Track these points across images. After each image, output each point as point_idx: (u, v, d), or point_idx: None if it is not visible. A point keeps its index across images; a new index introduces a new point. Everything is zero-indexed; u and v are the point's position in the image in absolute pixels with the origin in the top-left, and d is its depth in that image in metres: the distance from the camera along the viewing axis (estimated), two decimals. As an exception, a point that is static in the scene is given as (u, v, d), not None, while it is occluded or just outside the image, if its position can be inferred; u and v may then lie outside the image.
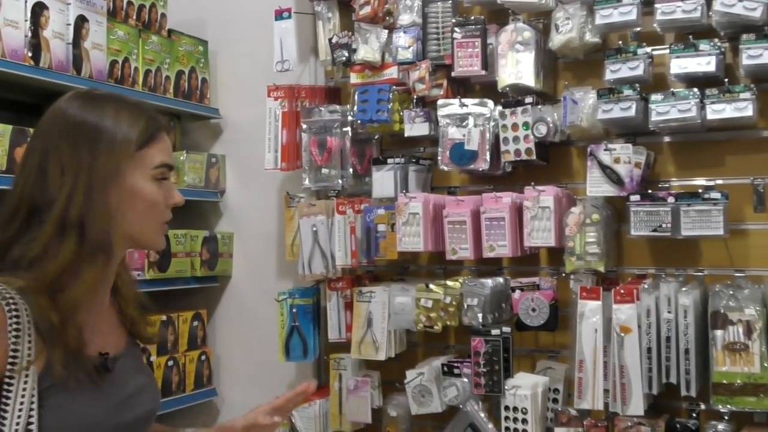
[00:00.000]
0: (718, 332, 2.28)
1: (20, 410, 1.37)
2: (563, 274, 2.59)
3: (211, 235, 3.31)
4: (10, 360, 1.37)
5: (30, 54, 2.53)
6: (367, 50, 2.84)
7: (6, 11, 2.44)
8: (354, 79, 2.91)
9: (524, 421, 2.51)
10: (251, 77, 3.31)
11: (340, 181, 2.93)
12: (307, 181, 2.97)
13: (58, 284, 1.43)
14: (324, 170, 2.94)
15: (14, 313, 1.38)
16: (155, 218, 1.54)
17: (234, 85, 3.45)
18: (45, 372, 1.40)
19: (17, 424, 1.37)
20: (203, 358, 3.27)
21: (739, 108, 2.32)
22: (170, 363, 3.09)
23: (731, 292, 2.30)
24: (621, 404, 2.38)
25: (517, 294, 2.61)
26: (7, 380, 1.37)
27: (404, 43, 2.81)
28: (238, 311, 3.41)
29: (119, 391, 1.52)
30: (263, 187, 3.30)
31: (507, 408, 2.53)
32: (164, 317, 3.09)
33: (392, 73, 2.84)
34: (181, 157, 3.23)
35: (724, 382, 2.26)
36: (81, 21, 2.72)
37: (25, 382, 1.38)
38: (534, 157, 2.59)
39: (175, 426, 1.88)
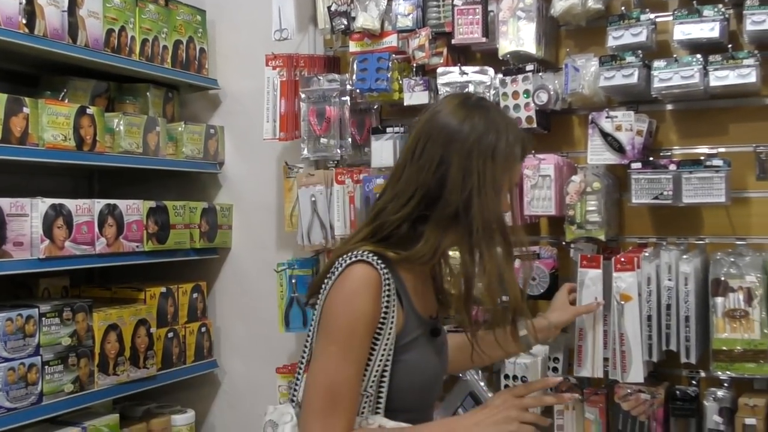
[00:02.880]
0: (719, 299, 2.27)
1: (380, 361, 1.68)
2: (563, 243, 2.58)
3: (210, 206, 3.29)
4: (381, 320, 1.67)
5: (24, 21, 2.50)
6: (366, 18, 2.81)
7: (0, -22, 2.42)
8: (353, 47, 2.87)
9: (524, 389, 2.51)
10: (250, 47, 3.28)
11: (339, 151, 2.91)
12: (305, 151, 2.95)
13: (421, 261, 1.73)
14: (323, 140, 2.92)
15: (386, 281, 1.68)
16: None
17: (232, 56, 3.43)
18: (402, 332, 1.72)
19: (376, 372, 1.68)
20: (203, 329, 3.27)
21: (743, 75, 2.29)
22: (170, 335, 3.09)
23: (732, 260, 2.29)
24: (621, 372, 2.37)
25: (517, 263, 2.59)
26: (375, 335, 1.67)
27: (404, 11, 2.78)
28: (237, 283, 3.41)
29: (441, 345, 1.86)
30: (262, 157, 3.28)
31: (507, 377, 2.53)
32: (164, 289, 3.09)
33: (392, 41, 2.81)
34: (180, 128, 3.21)
35: (724, 348, 2.25)
36: (76, -12, 2.69)
37: (388, 338, 1.68)
38: (535, 125, 2.57)
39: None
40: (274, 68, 3.02)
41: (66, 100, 2.88)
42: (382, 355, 1.68)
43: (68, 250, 2.61)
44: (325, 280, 1.73)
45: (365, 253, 1.70)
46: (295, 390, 1.79)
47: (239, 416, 3.36)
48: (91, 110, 2.74)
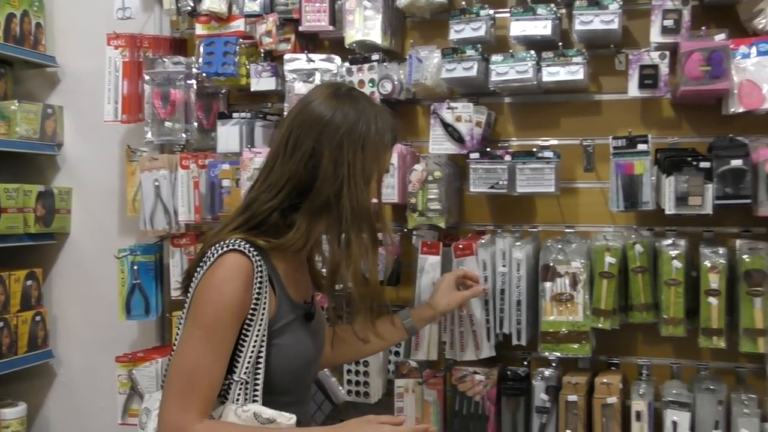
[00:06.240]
0: (547, 284, 2.40)
1: (253, 347, 1.72)
2: (406, 230, 2.64)
3: (46, 190, 3.14)
4: (252, 308, 1.71)
5: None
6: (213, 1, 2.76)
7: None
8: (199, 30, 2.82)
9: (366, 373, 2.57)
10: (91, 24, 3.15)
11: (184, 135, 2.85)
12: (149, 135, 2.87)
13: (293, 248, 1.79)
14: (167, 124, 2.85)
15: (259, 269, 1.72)
16: None
17: (72, 32, 3.28)
18: (275, 317, 1.77)
19: (249, 358, 1.72)
20: (38, 318, 3.12)
21: (572, 71, 2.42)
22: (0, 324, 2.92)
23: (560, 247, 2.42)
24: (459, 352, 2.46)
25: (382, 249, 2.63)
26: (247, 322, 1.72)
27: (251, -5, 2.75)
28: (77, 269, 3.27)
29: (315, 328, 1.92)
30: (104, 140, 3.17)
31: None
32: (-7, 276, 2.93)
33: (239, 25, 2.79)
34: (13, 107, 3.04)
35: (551, 330, 2.38)
36: None
37: (260, 325, 1.73)
38: (379, 114, 2.61)
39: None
40: (117, 48, 2.92)
41: None
42: (255, 342, 1.73)
43: None
44: (198, 269, 1.75)
45: (237, 241, 1.73)
46: (165, 376, 1.79)
47: (76, 408, 3.24)
48: None
